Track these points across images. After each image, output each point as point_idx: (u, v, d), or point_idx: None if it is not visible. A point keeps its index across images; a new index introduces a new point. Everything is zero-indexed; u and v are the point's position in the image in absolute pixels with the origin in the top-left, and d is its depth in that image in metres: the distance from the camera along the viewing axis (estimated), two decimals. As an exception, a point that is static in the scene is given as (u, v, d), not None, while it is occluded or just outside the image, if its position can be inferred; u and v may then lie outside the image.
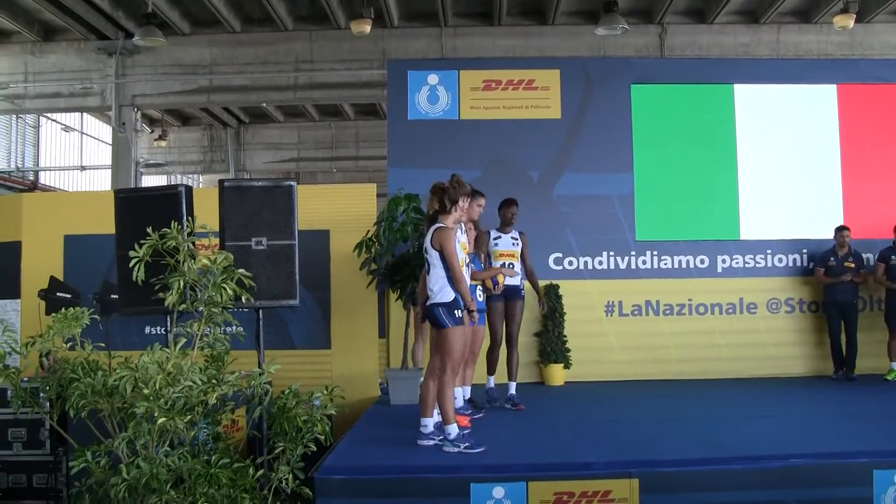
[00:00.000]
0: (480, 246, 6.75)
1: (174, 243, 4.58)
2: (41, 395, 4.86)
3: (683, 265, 9.22)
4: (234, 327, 4.90)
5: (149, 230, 4.60)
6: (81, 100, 16.82)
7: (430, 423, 5.38)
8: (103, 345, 4.83)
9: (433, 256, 5.28)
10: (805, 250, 9.26)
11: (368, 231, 7.55)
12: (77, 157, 22.86)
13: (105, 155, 21.77)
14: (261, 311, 5.68)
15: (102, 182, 21.67)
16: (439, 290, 5.25)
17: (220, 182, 5.70)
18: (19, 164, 20.47)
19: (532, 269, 7.42)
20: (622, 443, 5.49)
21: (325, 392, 4.78)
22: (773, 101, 9.49)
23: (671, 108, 9.42)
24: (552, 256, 9.11)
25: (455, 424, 5.17)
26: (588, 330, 8.92)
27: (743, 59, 14.07)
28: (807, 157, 9.46)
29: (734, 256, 9.25)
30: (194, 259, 4.64)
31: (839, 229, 8.90)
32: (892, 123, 9.52)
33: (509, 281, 6.85)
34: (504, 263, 6.98)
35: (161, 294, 4.61)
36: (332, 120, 24.34)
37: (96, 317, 4.86)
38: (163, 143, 22.85)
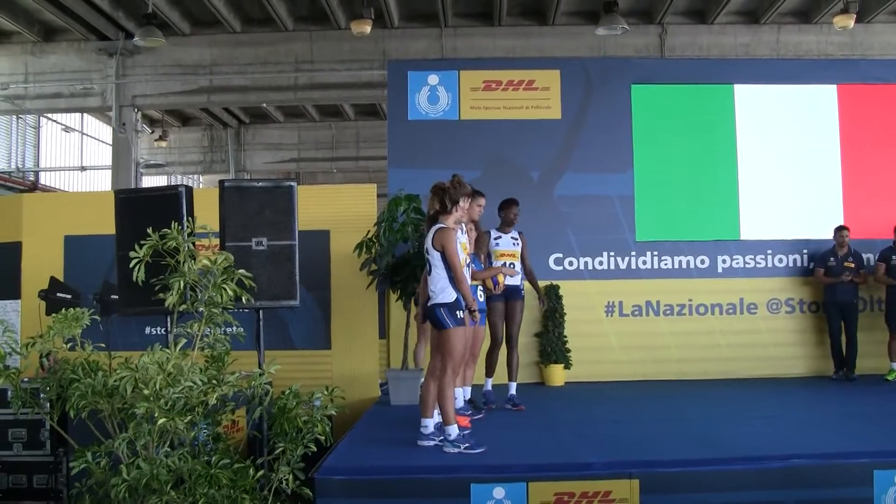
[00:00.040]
0: (481, 246, 6.75)
1: (174, 244, 4.57)
2: (41, 395, 4.86)
3: (684, 265, 9.22)
4: (234, 328, 4.89)
5: (149, 231, 4.59)
6: (82, 100, 16.83)
7: (430, 423, 5.38)
8: (103, 345, 4.82)
9: (434, 257, 5.27)
10: (805, 250, 9.26)
11: (369, 231, 7.55)
12: (77, 157, 22.86)
13: (105, 155, 21.77)
14: (261, 312, 5.68)
15: (103, 182, 21.67)
16: (441, 290, 5.25)
17: (221, 182, 5.69)
18: (19, 165, 20.47)
19: (531, 268, 7.41)
20: (622, 443, 5.49)
21: (326, 392, 4.77)
22: (773, 101, 9.49)
23: (671, 108, 9.43)
24: (552, 257, 9.11)
25: (455, 425, 5.17)
26: (588, 330, 8.92)
27: (743, 60, 14.08)
28: (807, 157, 9.46)
29: (734, 257, 9.26)
30: (194, 259, 4.64)
31: (838, 229, 8.90)
32: (892, 123, 9.52)
33: (509, 281, 6.85)
34: (505, 263, 6.97)
35: (161, 294, 4.61)
36: (333, 120, 24.34)
37: (96, 317, 4.86)
38: (163, 144, 22.85)
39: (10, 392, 4.86)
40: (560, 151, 9.31)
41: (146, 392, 4.12)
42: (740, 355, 9.03)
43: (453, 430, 5.14)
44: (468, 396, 6.71)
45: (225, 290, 4.60)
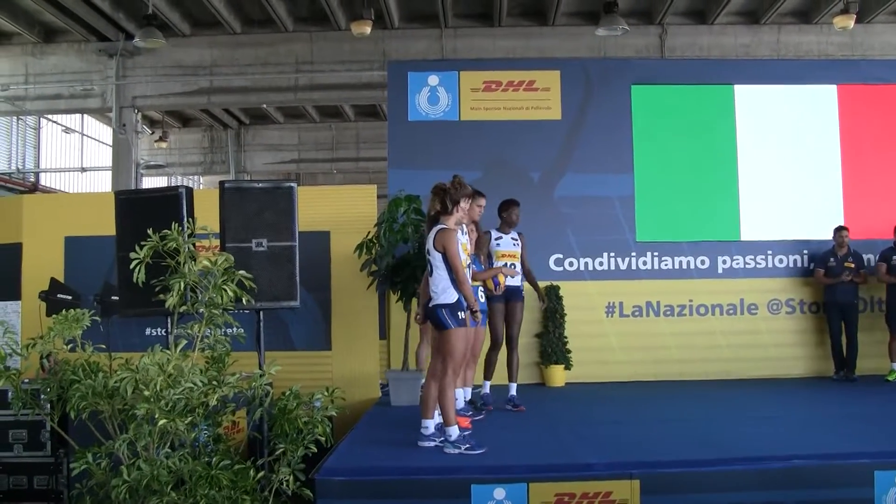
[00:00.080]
0: (481, 247, 6.75)
1: (175, 245, 4.58)
2: (42, 396, 4.86)
3: (684, 266, 9.22)
4: (234, 329, 4.89)
5: (149, 232, 4.60)
6: (82, 101, 16.84)
7: (431, 424, 5.38)
8: (104, 346, 4.82)
9: (436, 258, 5.27)
10: (806, 251, 9.26)
11: (369, 232, 7.54)
12: (77, 158, 22.86)
13: (105, 156, 21.78)
14: (261, 313, 5.67)
15: (103, 183, 21.69)
16: (442, 290, 5.25)
17: (221, 183, 5.69)
18: (20, 166, 20.48)
19: (530, 269, 7.42)
20: (623, 444, 5.49)
21: (326, 393, 4.77)
22: (773, 101, 9.49)
23: (671, 108, 9.43)
24: (553, 257, 9.11)
25: (456, 426, 5.16)
26: (589, 331, 8.92)
27: (743, 60, 14.07)
28: (807, 157, 9.46)
29: (735, 257, 9.25)
30: (195, 260, 4.64)
31: (838, 230, 8.90)
32: (892, 124, 9.52)
33: (510, 281, 6.85)
34: (506, 264, 6.97)
35: (162, 296, 4.61)
36: (333, 121, 24.35)
37: (97, 318, 4.86)
38: (163, 145, 22.86)
39: (10, 393, 4.86)
40: (560, 152, 9.31)
41: (147, 393, 4.12)
42: (741, 356, 9.02)
43: (454, 431, 5.14)
44: (469, 397, 6.71)
45: (225, 291, 4.61)
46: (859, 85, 9.60)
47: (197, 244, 4.81)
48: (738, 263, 9.25)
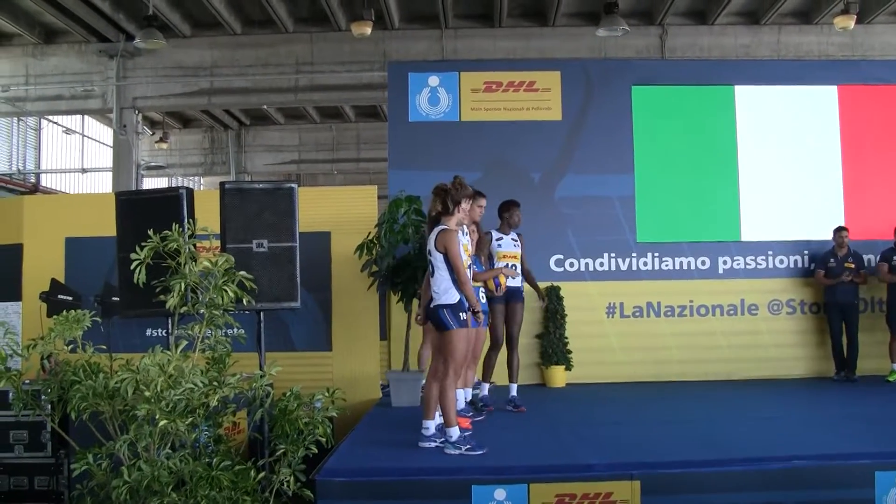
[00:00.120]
0: (482, 248, 6.75)
1: (175, 245, 4.58)
2: (42, 397, 4.87)
3: (684, 266, 9.22)
4: (235, 329, 4.89)
5: (150, 232, 4.60)
6: (82, 102, 16.83)
7: (431, 425, 5.38)
8: (104, 347, 4.82)
9: (437, 259, 5.27)
10: (806, 251, 9.26)
11: (369, 233, 7.55)
12: (78, 159, 22.87)
13: (106, 157, 21.79)
14: (262, 314, 5.68)
15: (103, 184, 21.69)
16: (444, 291, 5.25)
17: (221, 184, 5.70)
18: (20, 167, 20.49)
19: (530, 269, 7.42)
20: (624, 444, 5.49)
21: (327, 394, 4.78)
22: (773, 102, 9.49)
23: (672, 109, 9.42)
24: (553, 258, 9.11)
25: (457, 427, 5.16)
26: (589, 331, 8.92)
27: (744, 61, 14.06)
28: (808, 158, 9.45)
29: (735, 258, 9.25)
30: (195, 261, 4.64)
31: (838, 230, 8.90)
32: (893, 124, 9.51)
33: (510, 282, 6.84)
34: (507, 265, 6.97)
35: (162, 296, 4.62)
36: (333, 122, 24.35)
37: (97, 319, 4.87)
38: (164, 146, 22.86)
39: (11, 394, 4.86)
40: (561, 153, 9.31)
41: (147, 394, 4.12)
42: (741, 356, 9.02)
43: (454, 432, 5.14)
44: (469, 398, 6.71)
45: (226, 291, 4.61)
46: (860, 85, 9.60)
47: (197, 245, 4.81)
48: (738, 264, 9.25)
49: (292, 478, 4.49)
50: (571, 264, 9.14)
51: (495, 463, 4.87)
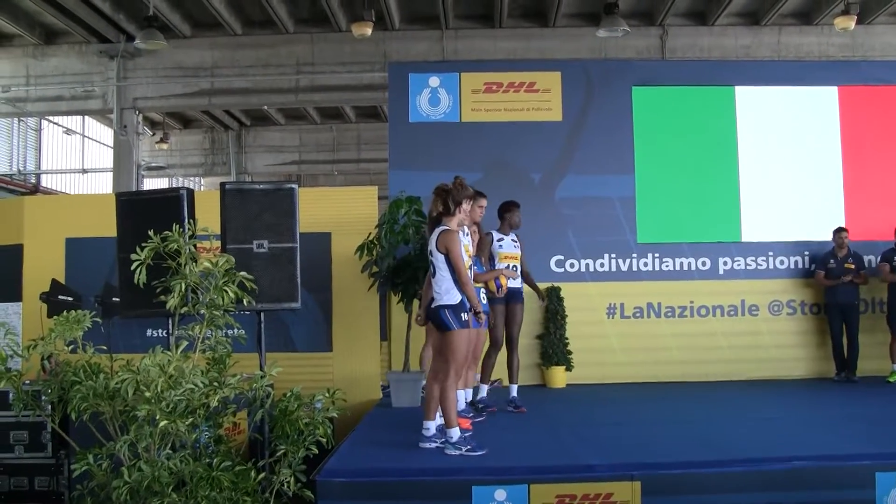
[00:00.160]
0: (483, 249, 6.75)
1: (176, 246, 4.58)
2: (43, 397, 4.87)
3: (685, 267, 9.22)
4: (235, 330, 4.89)
5: (150, 233, 4.60)
6: (83, 103, 16.83)
7: (432, 425, 5.38)
8: (105, 347, 4.82)
9: (438, 259, 5.27)
10: (807, 252, 9.26)
11: (370, 233, 7.55)
12: (78, 160, 22.88)
13: (106, 158, 21.79)
14: (262, 314, 5.68)
15: (104, 185, 21.69)
16: (445, 291, 5.25)
17: (222, 185, 5.71)
18: (21, 167, 20.49)
19: (528, 270, 7.43)
20: (624, 445, 5.49)
21: (327, 395, 4.78)
22: (774, 102, 9.49)
23: (672, 110, 9.43)
24: (554, 259, 9.11)
25: (457, 427, 5.17)
26: (590, 332, 8.92)
27: (744, 61, 14.05)
28: (808, 158, 9.46)
29: (736, 258, 9.25)
30: (196, 262, 4.64)
31: (837, 231, 8.90)
32: (893, 125, 9.51)
33: (510, 283, 6.84)
34: (508, 266, 6.98)
35: (162, 297, 4.62)
36: (334, 122, 24.35)
37: (98, 319, 4.86)
38: (164, 146, 22.86)
39: (11, 394, 4.86)
40: (561, 153, 9.31)
41: (147, 394, 4.12)
42: (742, 357, 9.02)
43: (455, 433, 5.14)
44: (470, 398, 6.71)
45: (226, 292, 4.61)
46: (860, 86, 9.60)
47: (198, 245, 4.81)
48: (738, 265, 9.25)
49: (293, 478, 4.49)
50: (572, 265, 9.14)
51: (496, 463, 4.87)
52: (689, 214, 9.28)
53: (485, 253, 6.83)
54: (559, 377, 8.74)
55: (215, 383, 4.42)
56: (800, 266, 9.27)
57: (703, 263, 9.23)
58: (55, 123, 21.51)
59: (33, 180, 21.13)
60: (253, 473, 4.39)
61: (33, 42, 16.03)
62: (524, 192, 8.53)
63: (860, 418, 6.51)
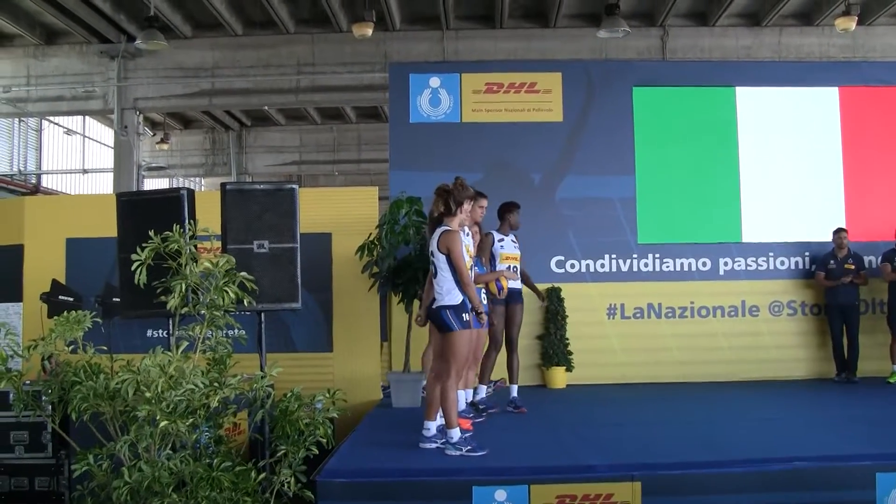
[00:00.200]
0: (484, 249, 6.75)
1: (176, 246, 4.58)
2: (43, 398, 4.86)
3: (685, 268, 9.22)
4: (235, 330, 4.89)
5: (151, 233, 4.60)
6: (84, 103, 16.84)
7: (432, 426, 5.38)
8: (105, 348, 4.82)
9: (439, 260, 5.27)
10: (807, 253, 9.26)
11: (370, 234, 7.55)
12: (79, 160, 22.89)
13: (107, 158, 21.80)
14: (263, 315, 5.68)
15: (104, 185, 21.71)
16: (447, 292, 5.25)
17: (222, 185, 5.70)
18: (21, 168, 20.51)
19: (526, 270, 7.43)
20: (624, 445, 5.49)
21: (327, 395, 4.78)
22: (774, 103, 9.49)
23: (673, 110, 9.43)
24: (554, 259, 9.11)
25: (457, 428, 5.17)
26: (590, 333, 8.91)
27: (745, 62, 14.05)
28: (809, 159, 9.46)
29: (736, 259, 9.25)
30: (196, 262, 4.64)
31: (837, 231, 8.90)
32: (894, 125, 9.51)
33: (511, 284, 6.85)
34: (509, 267, 6.98)
35: (163, 297, 4.62)
36: (334, 123, 24.36)
37: (98, 320, 4.86)
38: (165, 147, 22.87)
39: (11, 395, 4.85)
40: (562, 154, 9.31)
41: (148, 395, 4.12)
42: (742, 358, 9.02)
43: (455, 433, 5.14)
44: (470, 399, 6.71)
45: (227, 292, 4.61)
46: (861, 87, 9.60)
47: (198, 246, 4.81)
48: (739, 265, 9.25)
49: (293, 479, 4.49)
50: (572, 265, 9.14)
51: (496, 464, 4.87)
52: (690, 215, 9.28)
53: (485, 253, 6.84)
54: (559, 378, 8.74)
55: (216, 384, 4.42)
56: (800, 267, 9.27)
57: (704, 264, 9.23)
58: (56, 124, 21.52)
59: (34, 180, 21.14)
60: (253, 474, 4.39)
61: (34, 42, 16.03)
62: (524, 192, 8.53)
63: (860, 419, 6.51)
